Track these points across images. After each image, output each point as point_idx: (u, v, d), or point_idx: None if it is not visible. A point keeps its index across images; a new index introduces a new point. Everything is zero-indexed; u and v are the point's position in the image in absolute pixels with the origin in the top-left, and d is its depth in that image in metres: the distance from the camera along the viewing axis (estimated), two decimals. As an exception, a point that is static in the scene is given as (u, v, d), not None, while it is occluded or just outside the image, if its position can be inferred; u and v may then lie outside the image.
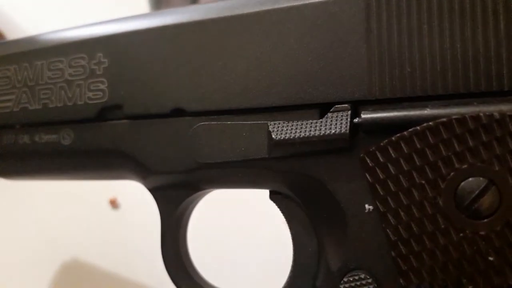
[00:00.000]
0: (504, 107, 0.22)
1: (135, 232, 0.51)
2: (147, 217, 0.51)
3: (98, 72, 0.31)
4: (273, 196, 0.29)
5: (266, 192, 0.30)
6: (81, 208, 0.54)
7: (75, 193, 0.53)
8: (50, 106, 0.32)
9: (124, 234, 0.52)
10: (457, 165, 0.22)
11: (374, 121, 0.24)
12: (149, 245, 0.50)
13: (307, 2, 0.26)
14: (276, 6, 0.27)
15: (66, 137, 0.32)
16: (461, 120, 0.22)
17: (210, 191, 0.32)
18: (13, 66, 0.34)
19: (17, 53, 0.34)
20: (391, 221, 0.23)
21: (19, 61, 0.33)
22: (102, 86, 0.31)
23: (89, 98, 0.31)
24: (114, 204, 0.54)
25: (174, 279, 0.31)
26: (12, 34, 0.59)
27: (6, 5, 0.62)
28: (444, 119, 0.22)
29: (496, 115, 0.22)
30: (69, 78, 0.32)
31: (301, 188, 0.27)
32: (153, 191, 0.31)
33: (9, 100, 0.34)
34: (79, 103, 0.31)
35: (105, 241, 0.52)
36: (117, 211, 0.54)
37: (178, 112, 0.29)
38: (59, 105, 0.32)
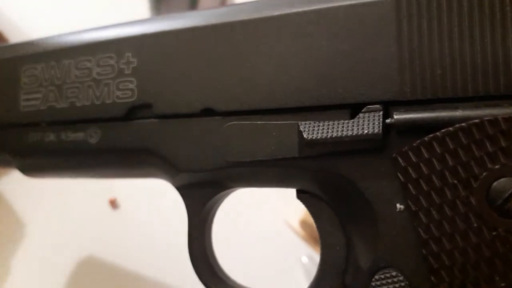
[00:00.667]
0: (537, 109, 0.22)
1: (135, 232, 0.52)
2: (147, 217, 0.52)
3: (127, 72, 0.31)
4: (300, 195, 0.29)
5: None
6: (81, 208, 0.54)
7: (74, 193, 0.53)
8: (78, 104, 0.33)
9: (124, 234, 0.52)
10: (489, 165, 0.23)
11: (406, 122, 0.24)
12: (149, 244, 0.50)
13: (337, 4, 0.26)
14: (307, 8, 0.27)
15: (93, 136, 0.32)
16: (494, 121, 0.23)
17: (235, 190, 0.32)
18: (41, 65, 0.34)
19: (44, 52, 0.34)
20: (423, 219, 0.24)
21: (46, 59, 0.34)
22: (131, 86, 0.31)
23: (118, 97, 0.31)
24: (114, 204, 0.55)
25: (200, 276, 0.31)
26: (12, 34, 0.59)
27: (5, 6, 0.62)
28: (477, 120, 0.23)
29: (529, 116, 0.22)
30: (97, 77, 0.32)
31: (331, 187, 0.27)
32: (180, 189, 0.32)
33: (36, 99, 0.34)
34: (107, 102, 0.32)
35: (105, 241, 0.52)
36: (117, 211, 0.54)
37: (208, 112, 0.29)
38: (86, 103, 0.32)
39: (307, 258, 0.47)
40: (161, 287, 0.49)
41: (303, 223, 0.47)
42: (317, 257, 0.31)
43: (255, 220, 0.48)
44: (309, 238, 0.47)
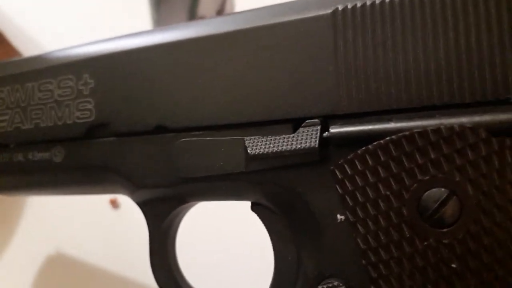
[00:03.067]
0: (465, 119, 0.23)
1: (135, 232, 0.51)
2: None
3: (85, 93, 0.32)
4: (254, 207, 0.30)
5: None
6: (82, 208, 0.55)
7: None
8: (42, 125, 0.34)
9: (124, 234, 0.53)
10: (419, 177, 0.23)
11: (341, 135, 0.25)
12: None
13: (278, 21, 0.27)
14: (249, 25, 0.28)
15: (57, 155, 0.33)
16: (423, 133, 0.23)
17: (195, 204, 0.33)
18: (6, 88, 0.35)
19: (9, 75, 0.35)
20: (360, 230, 0.24)
21: (11, 83, 0.35)
22: (89, 106, 0.32)
23: (78, 117, 0.32)
24: (114, 204, 0.55)
25: None
26: (12, 34, 0.59)
27: (6, 6, 0.63)
28: (407, 133, 0.23)
29: (456, 127, 0.23)
30: (58, 98, 0.33)
31: (278, 199, 0.28)
32: (140, 205, 0.33)
33: (3, 121, 0.35)
34: (68, 122, 0.33)
35: (106, 241, 0.53)
36: (117, 211, 0.55)
37: (161, 129, 0.30)
38: (49, 124, 0.33)
39: None
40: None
41: None
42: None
43: (254, 219, 0.48)
44: None
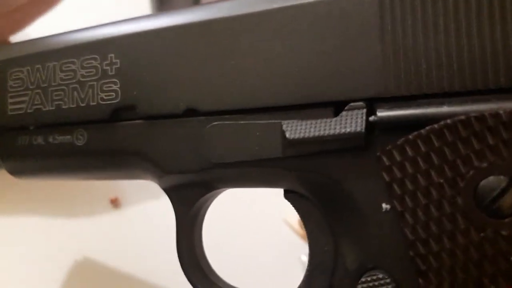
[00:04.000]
0: (525, 103, 0.21)
1: (137, 232, 0.52)
2: (149, 216, 0.52)
3: (110, 73, 0.31)
4: (288, 195, 0.29)
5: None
6: (82, 208, 0.54)
7: (75, 192, 0.53)
8: (63, 107, 0.32)
9: (125, 233, 0.52)
10: (476, 164, 0.22)
11: (390, 119, 0.24)
12: (151, 244, 0.50)
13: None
14: (287, 3, 0.26)
15: (80, 138, 0.32)
16: (480, 117, 0.22)
17: (224, 190, 0.32)
18: (26, 68, 0.34)
19: (29, 55, 0.34)
20: (409, 220, 0.23)
21: (31, 62, 0.34)
22: (114, 87, 0.30)
23: (102, 99, 0.31)
24: (115, 203, 0.54)
25: (190, 279, 0.31)
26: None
27: None
28: (462, 117, 0.22)
29: (517, 111, 0.21)
30: (82, 79, 0.32)
31: (316, 187, 0.27)
32: (167, 190, 0.31)
33: (22, 102, 0.34)
34: (92, 104, 0.31)
35: (107, 241, 0.52)
36: (118, 211, 0.54)
37: (191, 112, 0.29)
38: (72, 106, 0.32)
39: (306, 257, 0.46)
40: (163, 286, 0.49)
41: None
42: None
43: (254, 218, 0.48)
44: None
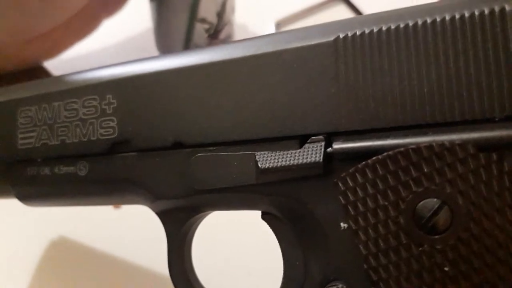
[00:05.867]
0: (455, 136, 0.25)
1: (137, 232, 0.53)
2: (149, 217, 0.53)
3: (108, 112, 0.35)
4: (264, 216, 0.33)
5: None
6: (83, 208, 0.55)
7: None
8: (67, 141, 0.37)
9: (126, 234, 0.54)
10: (414, 189, 0.26)
11: (343, 151, 0.28)
12: (150, 245, 0.51)
13: (285, 47, 0.30)
14: (259, 51, 0.31)
15: (82, 169, 0.36)
16: (416, 149, 0.26)
17: (210, 213, 0.36)
18: (34, 107, 0.38)
19: (36, 95, 0.38)
20: (362, 237, 0.27)
21: (39, 102, 0.38)
22: (112, 124, 0.35)
23: (101, 134, 0.35)
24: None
25: None
26: None
27: None
28: (402, 149, 0.26)
29: (447, 144, 0.25)
30: (83, 117, 0.36)
31: (286, 209, 0.31)
32: (159, 214, 0.35)
33: (31, 137, 0.38)
34: (93, 138, 0.35)
35: (107, 241, 0.54)
36: (119, 211, 0.55)
37: (178, 145, 0.33)
38: (75, 140, 0.36)
39: None
40: (163, 287, 0.51)
41: None
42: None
43: (254, 218, 0.49)
44: None
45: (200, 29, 0.59)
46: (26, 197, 0.40)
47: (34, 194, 0.40)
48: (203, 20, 0.59)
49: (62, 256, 0.54)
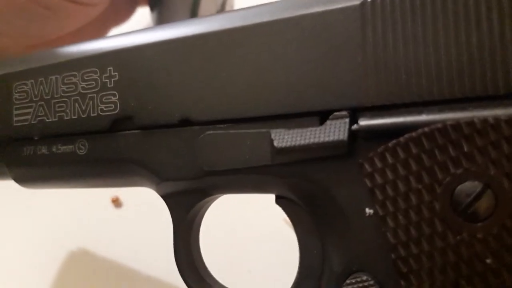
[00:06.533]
0: (499, 112, 0.22)
1: (138, 231, 0.52)
2: (149, 216, 0.52)
3: (109, 85, 0.32)
4: (279, 201, 0.30)
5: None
6: (83, 208, 0.55)
7: (76, 192, 0.53)
8: (66, 118, 0.34)
9: (127, 233, 0.53)
10: (452, 170, 0.23)
11: (371, 128, 0.25)
12: (151, 243, 0.50)
13: (304, 12, 0.27)
14: (275, 17, 0.27)
15: (81, 148, 0.34)
16: (456, 125, 0.22)
17: (219, 196, 0.33)
18: (30, 81, 0.35)
19: (32, 68, 0.35)
20: (390, 224, 0.24)
21: (35, 75, 0.35)
22: (113, 99, 0.32)
23: (102, 110, 0.32)
24: (116, 203, 0.55)
25: (187, 282, 0.32)
26: None
27: None
28: (439, 125, 0.23)
29: (491, 120, 0.22)
30: (82, 91, 0.33)
31: (304, 193, 0.28)
32: (165, 197, 0.33)
33: (27, 113, 0.35)
34: (92, 115, 0.33)
35: (107, 240, 0.53)
36: (119, 210, 0.55)
37: (185, 122, 0.30)
38: (73, 117, 0.33)
39: None
40: (163, 287, 0.50)
41: None
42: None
43: (254, 218, 0.48)
44: None
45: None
46: (23, 179, 0.38)
47: (31, 175, 0.37)
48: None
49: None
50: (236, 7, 0.60)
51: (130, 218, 0.54)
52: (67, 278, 0.52)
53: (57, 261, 0.53)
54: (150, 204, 0.53)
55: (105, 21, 0.56)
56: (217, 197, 0.33)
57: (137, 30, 0.33)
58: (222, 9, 0.58)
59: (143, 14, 0.61)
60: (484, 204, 0.22)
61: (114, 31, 0.60)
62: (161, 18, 0.58)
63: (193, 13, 0.56)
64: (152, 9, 0.58)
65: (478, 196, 0.22)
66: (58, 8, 0.46)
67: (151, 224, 0.52)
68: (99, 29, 0.56)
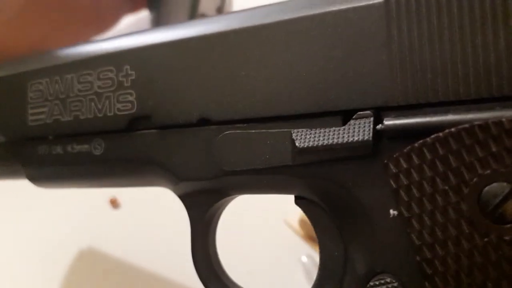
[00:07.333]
0: (528, 112, 0.22)
1: (135, 232, 0.52)
2: (148, 217, 0.52)
3: (126, 84, 0.32)
4: (298, 201, 0.30)
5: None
6: (82, 209, 0.55)
7: (75, 193, 0.53)
8: (81, 117, 0.34)
9: (124, 234, 0.53)
10: (480, 171, 0.22)
11: (396, 128, 0.24)
12: (150, 244, 0.51)
13: (327, 10, 0.26)
14: (297, 15, 0.27)
15: (97, 147, 0.33)
16: (484, 126, 0.22)
17: (236, 196, 0.33)
18: (45, 80, 0.35)
19: (47, 67, 0.35)
20: (415, 226, 0.24)
21: (50, 74, 0.35)
22: (130, 98, 0.32)
23: (118, 110, 0.32)
24: (114, 204, 0.55)
25: (204, 282, 0.32)
26: None
27: None
28: (467, 125, 0.22)
29: (519, 120, 0.22)
30: (98, 90, 0.33)
31: (325, 193, 0.28)
32: (182, 197, 0.32)
33: (42, 113, 0.35)
34: (109, 114, 0.32)
35: (105, 241, 0.53)
36: (117, 211, 0.55)
37: (204, 122, 0.30)
38: (89, 116, 0.33)
39: (306, 258, 0.47)
40: (163, 286, 0.50)
41: (303, 222, 0.47)
42: (316, 257, 0.31)
43: (254, 219, 0.48)
44: (308, 237, 0.47)
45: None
46: (37, 178, 0.38)
47: (46, 174, 0.37)
48: (203, 16, 0.55)
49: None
50: (235, 4, 0.60)
51: (129, 218, 0.54)
52: (67, 278, 0.52)
53: (55, 261, 0.53)
54: (148, 204, 0.53)
55: (86, 26, 0.54)
56: (234, 197, 0.33)
57: (154, 28, 0.33)
58: (221, 4, 0.58)
59: (142, 14, 0.61)
60: (512, 206, 0.22)
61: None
62: (160, 17, 0.57)
63: (193, 12, 0.55)
64: (150, 8, 0.57)
65: (506, 198, 0.22)
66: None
67: (150, 224, 0.52)
68: (80, 35, 0.54)
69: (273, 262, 0.46)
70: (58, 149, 0.35)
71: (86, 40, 0.55)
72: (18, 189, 0.46)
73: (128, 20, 0.61)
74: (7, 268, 0.54)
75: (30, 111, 0.36)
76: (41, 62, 0.36)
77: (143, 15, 0.60)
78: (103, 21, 0.56)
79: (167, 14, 0.56)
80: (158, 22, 0.57)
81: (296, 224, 0.48)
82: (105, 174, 0.35)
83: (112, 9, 0.56)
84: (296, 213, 0.47)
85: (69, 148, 0.34)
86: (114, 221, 0.54)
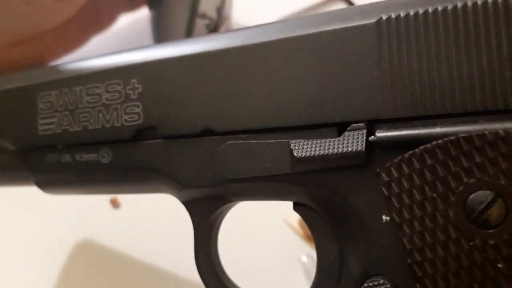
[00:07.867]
0: (509, 125, 0.24)
1: (136, 232, 0.53)
2: (148, 217, 0.53)
3: (133, 97, 0.34)
4: (297, 207, 0.31)
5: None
6: (81, 208, 0.55)
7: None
8: (90, 128, 0.35)
9: (125, 234, 0.54)
10: (465, 180, 0.24)
11: (388, 139, 0.26)
12: (150, 244, 0.51)
13: (322, 29, 0.28)
14: (294, 34, 0.29)
15: (105, 156, 0.35)
16: (468, 138, 0.24)
17: (238, 202, 0.34)
18: (55, 92, 0.37)
19: (57, 80, 0.37)
20: (406, 231, 0.25)
21: (59, 86, 0.37)
22: (137, 110, 0.33)
23: (125, 121, 0.34)
24: (114, 203, 0.56)
25: (207, 284, 0.33)
26: None
27: None
28: (452, 138, 0.24)
29: (501, 132, 0.23)
30: (106, 102, 0.34)
31: (323, 200, 0.29)
32: (186, 204, 0.34)
33: (52, 123, 0.37)
34: (116, 125, 0.34)
35: (105, 241, 0.54)
36: (118, 211, 0.55)
37: (207, 132, 0.31)
38: (97, 127, 0.35)
39: (306, 257, 0.48)
40: (164, 287, 0.51)
41: (302, 222, 0.48)
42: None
43: (254, 219, 0.49)
44: (308, 237, 0.48)
45: (200, 25, 0.57)
46: (46, 185, 0.39)
47: (54, 181, 0.39)
48: (204, 16, 0.57)
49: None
50: (235, 5, 0.62)
51: (129, 218, 0.54)
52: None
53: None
54: (148, 204, 0.53)
55: (82, 25, 0.55)
56: (236, 203, 0.35)
57: (161, 43, 0.34)
58: (222, 4, 0.58)
59: (142, 13, 0.61)
60: (495, 212, 0.23)
61: (97, 38, 0.59)
62: (160, 16, 0.58)
63: (193, 11, 0.56)
64: (150, 7, 0.58)
65: (490, 205, 0.23)
66: (39, 4, 0.45)
67: (150, 224, 0.52)
68: (77, 33, 0.55)
69: (273, 262, 0.47)
70: (67, 158, 0.36)
71: (85, 40, 0.56)
72: (18, 189, 0.47)
73: (128, 19, 0.63)
74: (7, 268, 0.54)
75: (40, 121, 0.37)
76: (51, 74, 0.38)
77: (143, 14, 0.61)
78: (101, 20, 0.57)
79: (167, 13, 0.57)
80: (158, 21, 0.58)
81: (296, 224, 0.49)
82: (112, 182, 0.36)
83: (110, 8, 0.57)
84: (296, 213, 0.48)
85: (77, 157, 0.36)
86: (115, 221, 0.55)
